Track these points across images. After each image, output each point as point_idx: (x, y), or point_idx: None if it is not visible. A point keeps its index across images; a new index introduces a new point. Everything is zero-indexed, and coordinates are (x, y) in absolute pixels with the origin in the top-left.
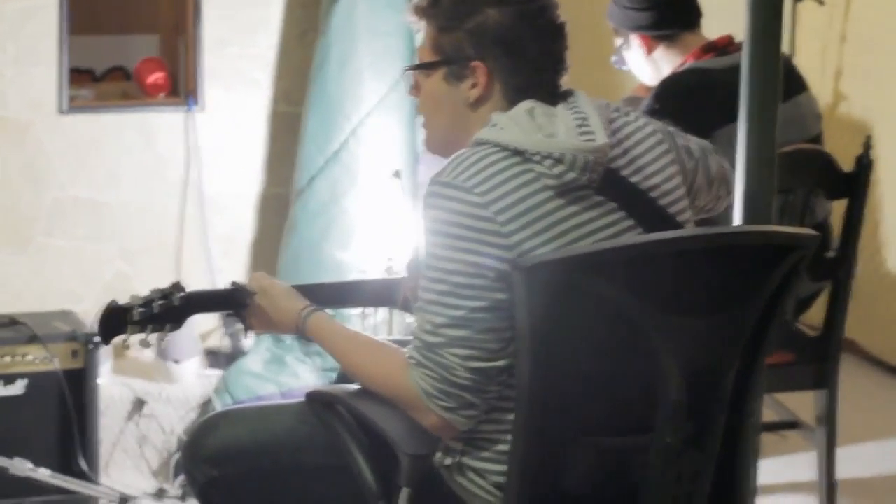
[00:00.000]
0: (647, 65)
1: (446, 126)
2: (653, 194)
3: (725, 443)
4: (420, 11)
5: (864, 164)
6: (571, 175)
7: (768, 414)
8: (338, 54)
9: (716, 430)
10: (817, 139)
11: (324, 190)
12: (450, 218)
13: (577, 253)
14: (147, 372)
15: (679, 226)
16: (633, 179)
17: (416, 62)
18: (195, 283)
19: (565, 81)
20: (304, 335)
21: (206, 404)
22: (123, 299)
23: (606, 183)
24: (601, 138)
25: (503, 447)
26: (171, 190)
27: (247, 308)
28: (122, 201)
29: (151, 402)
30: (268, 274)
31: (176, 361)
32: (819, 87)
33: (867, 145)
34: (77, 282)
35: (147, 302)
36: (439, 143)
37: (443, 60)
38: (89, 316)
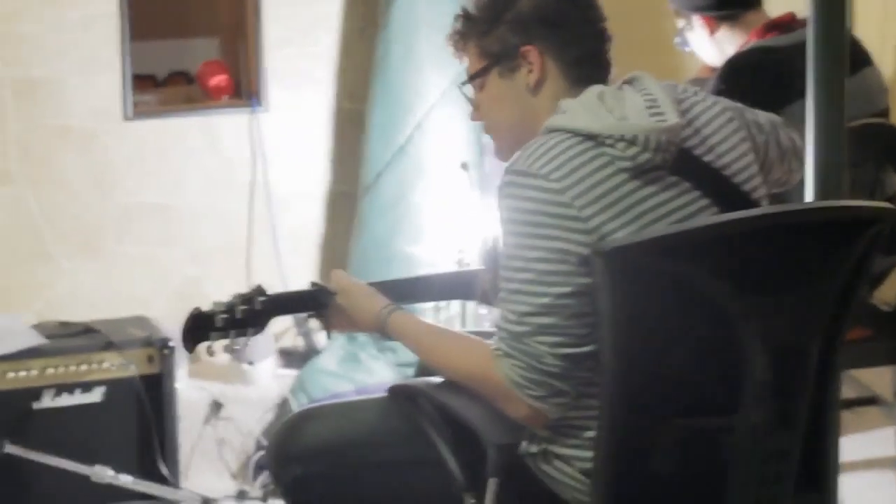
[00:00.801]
0: (711, 45)
1: (514, 120)
2: (726, 172)
3: (810, 420)
4: (457, 35)
5: None
6: (645, 156)
7: (845, 390)
8: (399, 49)
9: (801, 409)
10: (884, 113)
11: (391, 185)
12: (528, 206)
13: (657, 235)
14: (223, 374)
15: (754, 203)
16: (706, 158)
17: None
18: (265, 283)
19: (625, 62)
20: (385, 333)
21: (283, 404)
22: (196, 303)
23: (680, 163)
24: (672, 118)
25: (590, 433)
26: (239, 191)
27: (328, 309)
28: (190, 205)
29: (228, 405)
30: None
31: (251, 363)
32: (880, 60)
33: None
34: (148, 287)
35: (229, 307)
36: (511, 143)
37: (493, 62)
38: (163, 321)
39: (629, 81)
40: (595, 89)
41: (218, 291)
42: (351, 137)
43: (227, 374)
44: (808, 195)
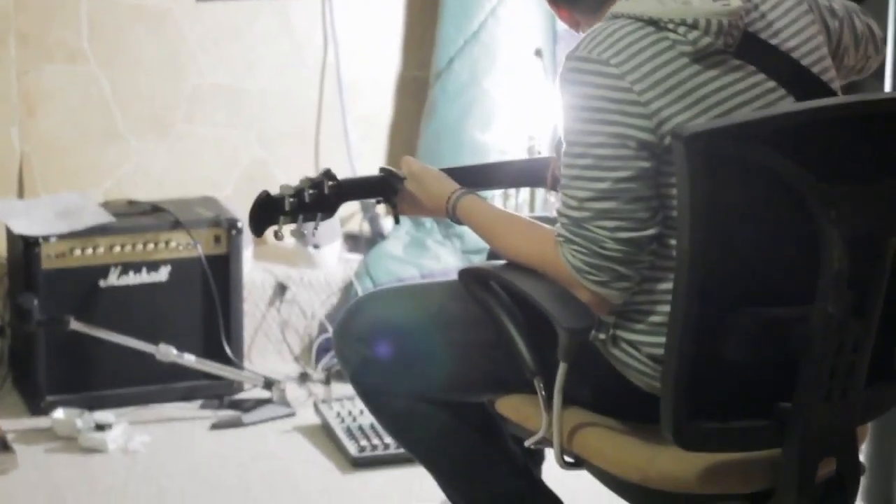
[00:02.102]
0: None
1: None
2: (794, 55)
3: (885, 313)
4: None
5: None
6: (707, 40)
7: None
8: None
9: (878, 300)
10: None
11: (463, 71)
12: (588, 92)
13: (737, 122)
14: (288, 257)
15: (825, 86)
16: (773, 42)
17: None
18: (334, 168)
19: None
20: (454, 218)
21: (348, 288)
22: (264, 186)
23: (744, 46)
24: (735, 1)
25: (656, 318)
26: (309, 75)
27: (398, 194)
28: (261, 87)
29: (293, 287)
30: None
31: (316, 246)
32: None
33: None
34: (216, 168)
35: (298, 192)
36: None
37: None
38: (230, 202)
39: None
40: None
41: (286, 175)
42: (424, 22)
43: (292, 257)
44: (888, 86)
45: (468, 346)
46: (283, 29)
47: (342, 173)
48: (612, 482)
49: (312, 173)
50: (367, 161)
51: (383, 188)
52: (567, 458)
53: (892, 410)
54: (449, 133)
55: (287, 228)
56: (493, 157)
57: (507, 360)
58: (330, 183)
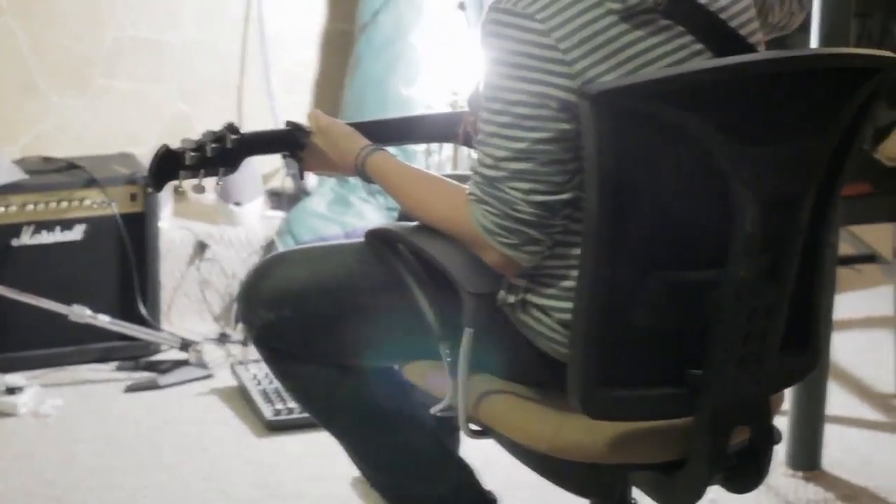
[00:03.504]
0: None
1: None
2: (722, 16)
3: (801, 276)
4: None
5: None
6: None
7: (844, 247)
8: None
9: (791, 264)
10: None
11: (388, 24)
12: (510, 46)
13: (647, 79)
14: (209, 214)
15: (750, 47)
16: (702, 1)
17: None
18: (257, 122)
19: None
20: (364, 175)
21: (269, 246)
22: (180, 142)
23: (674, 6)
24: None
25: (568, 283)
26: (232, 28)
27: (304, 149)
28: (183, 40)
29: (213, 246)
30: (331, 112)
31: (238, 203)
32: None
33: None
34: (137, 124)
35: (199, 146)
36: None
37: None
38: (149, 158)
39: None
40: None
41: (209, 128)
42: None
43: (212, 215)
44: (813, 42)
45: (375, 311)
46: None
47: (266, 127)
48: (520, 452)
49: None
50: (292, 115)
51: (288, 142)
52: (473, 427)
53: (815, 375)
54: (373, 88)
55: (188, 183)
56: (418, 112)
57: (415, 325)
58: (233, 137)
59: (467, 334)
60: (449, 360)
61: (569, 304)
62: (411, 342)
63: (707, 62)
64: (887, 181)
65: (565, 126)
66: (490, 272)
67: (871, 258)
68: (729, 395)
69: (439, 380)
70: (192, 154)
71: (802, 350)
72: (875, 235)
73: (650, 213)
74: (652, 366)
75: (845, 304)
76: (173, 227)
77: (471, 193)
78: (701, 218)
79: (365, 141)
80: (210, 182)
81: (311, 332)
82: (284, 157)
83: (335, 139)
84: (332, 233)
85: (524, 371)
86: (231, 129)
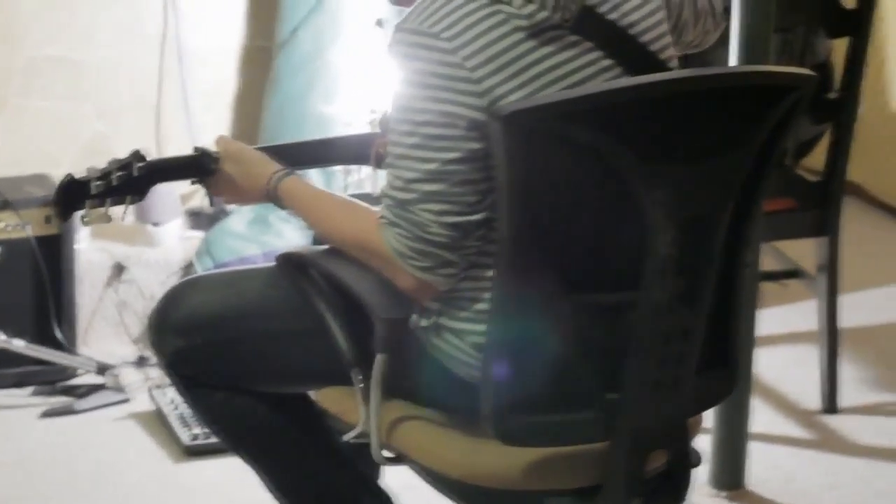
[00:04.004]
0: None
1: None
2: (632, 31)
3: (720, 296)
4: None
5: (867, 0)
6: (543, 14)
7: (769, 263)
8: None
9: (707, 285)
10: None
11: (307, 41)
12: (417, 67)
13: (558, 99)
14: (126, 236)
15: (661, 64)
16: (611, 17)
17: None
18: (175, 141)
19: None
20: (276, 200)
21: (188, 267)
22: (105, 161)
23: (582, 22)
24: None
25: (482, 306)
26: (149, 45)
27: (212, 175)
28: (99, 59)
29: (131, 267)
30: (251, 130)
31: (156, 224)
32: None
33: None
34: (53, 144)
35: (105, 174)
36: None
37: None
38: (79, 174)
39: None
40: None
41: (127, 148)
42: None
43: (130, 236)
44: (733, 60)
45: (286, 336)
46: None
47: (183, 146)
48: (434, 478)
49: (153, 146)
50: (211, 134)
51: (197, 169)
52: (387, 454)
53: (738, 394)
54: (293, 106)
55: (95, 213)
56: (338, 130)
57: (327, 351)
58: (139, 164)
59: (379, 360)
60: (361, 386)
61: (483, 328)
62: (324, 368)
63: (619, 82)
64: (810, 196)
65: (475, 145)
66: (402, 296)
67: (795, 273)
68: (645, 418)
69: (353, 406)
70: (98, 183)
71: (721, 371)
72: (800, 250)
73: (564, 235)
74: (567, 390)
75: (771, 319)
76: (90, 248)
77: (382, 217)
78: (616, 239)
79: (276, 165)
80: (117, 211)
81: (222, 359)
82: (193, 183)
83: (244, 164)
84: (252, 253)
85: (439, 396)
86: (137, 156)
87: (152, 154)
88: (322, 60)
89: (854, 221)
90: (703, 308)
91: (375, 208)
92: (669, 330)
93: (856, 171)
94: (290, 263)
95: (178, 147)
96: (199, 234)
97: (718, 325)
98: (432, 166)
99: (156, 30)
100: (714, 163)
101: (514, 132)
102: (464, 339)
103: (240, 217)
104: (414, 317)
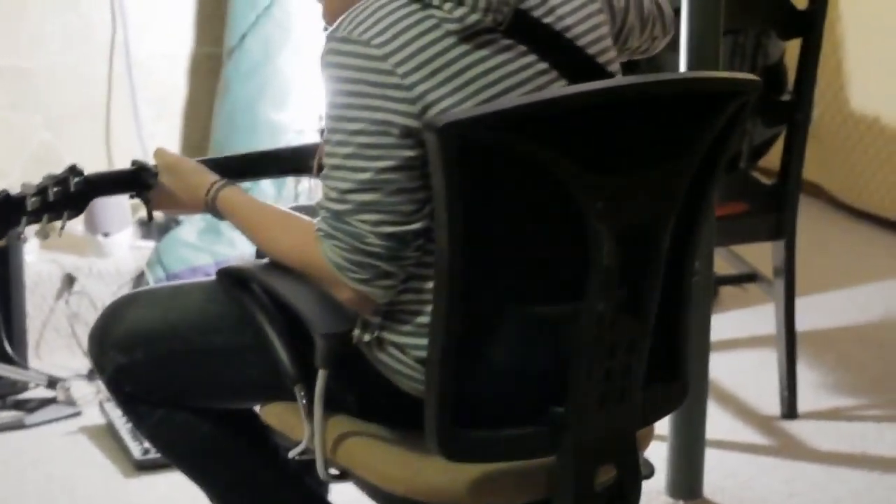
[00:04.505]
0: None
1: None
2: (569, 35)
3: (666, 305)
4: None
5: (819, 1)
6: (474, 17)
7: (727, 266)
8: None
9: (652, 296)
10: None
11: (256, 48)
12: (349, 75)
13: (494, 109)
14: (76, 246)
15: (600, 68)
16: (547, 20)
17: None
18: (125, 150)
19: None
20: (214, 212)
21: (140, 278)
22: (54, 170)
23: (516, 25)
24: None
25: (423, 319)
26: (98, 53)
27: (150, 189)
28: (46, 67)
29: (82, 278)
30: (201, 138)
31: (106, 234)
32: None
33: None
34: (1, 154)
35: (41, 190)
36: (338, 11)
37: None
38: (14, 190)
39: None
40: None
41: (76, 157)
42: None
43: (80, 246)
44: (682, 61)
45: (227, 352)
46: (69, 4)
47: (134, 155)
48: (380, 495)
49: (103, 156)
50: (160, 143)
51: (135, 183)
52: (332, 471)
53: (694, 401)
54: (243, 113)
55: (31, 229)
56: (290, 137)
57: (269, 366)
58: (76, 179)
59: (322, 375)
60: (304, 402)
61: (425, 341)
62: (266, 383)
63: (557, 90)
64: (765, 200)
65: (409, 153)
66: (343, 310)
67: (752, 277)
68: (593, 431)
69: (297, 422)
70: (34, 199)
71: (670, 382)
72: (759, 253)
73: (504, 246)
74: (512, 404)
75: (730, 323)
76: (40, 260)
77: (319, 229)
78: (557, 250)
79: (214, 176)
80: (56, 226)
81: (164, 375)
82: (132, 197)
83: (183, 176)
84: (204, 262)
85: (383, 411)
86: (74, 171)
87: (102, 163)
88: (272, 67)
89: (814, 222)
90: (649, 318)
91: (314, 220)
92: (614, 341)
93: (815, 172)
94: (231, 278)
95: (129, 156)
96: (150, 244)
97: (666, 335)
98: (366, 175)
99: (104, 37)
100: (656, 171)
101: (449, 143)
102: (407, 354)
103: (191, 226)
104: (356, 331)
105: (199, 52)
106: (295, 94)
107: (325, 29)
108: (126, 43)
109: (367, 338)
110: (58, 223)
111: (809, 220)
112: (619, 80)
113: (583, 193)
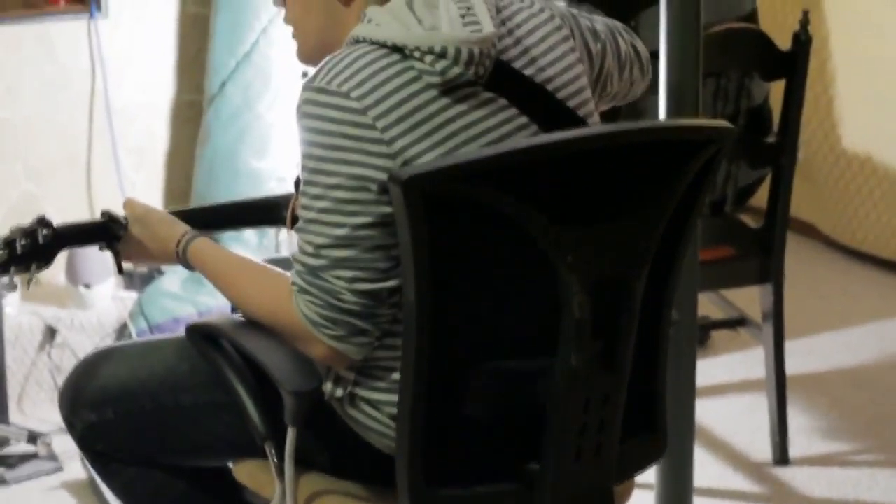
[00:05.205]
0: None
1: (319, 29)
2: (549, 87)
3: (642, 357)
4: None
5: (802, 42)
6: (456, 70)
7: (713, 311)
8: None
9: (627, 349)
10: (752, 16)
11: (236, 95)
12: (326, 127)
13: (459, 161)
14: (58, 297)
15: (579, 120)
16: (528, 72)
17: None
18: (106, 199)
19: None
20: (185, 263)
21: (122, 329)
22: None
23: (497, 78)
24: (487, 28)
25: (397, 375)
26: (77, 103)
27: (120, 240)
28: (26, 117)
29: (63, 330)
30: (183, 186)
31: (87, 286)
32: None
33: (804, 21)
34: None
35: (8, 242)
36: (313, 51)
37: None
38: None
39: None
40: None
41: (57, 207)
42: (197, 43)
43: (62, 298)
44: (662, 108)
45: (197, 409)
46: (47, 54)
47: (115, 204)
48: None
49: (84, 206)
50: (142, 191)
51: (105, 234)
52: None
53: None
54: (224, 161)
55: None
56: (272, 185)
57: (240, 424)
58: (44, 231)
59: (291, 433)
60: (275, 460)
61: (397, 398)
62: (237, 441)
63: (520, 141)
64: (753, 244)
65: (387, 209)
66: (312, 367)
67: (740, 322)
68: (569, 488)
69: (269, 480)
70: (1, 252)
71: (648, 435)
72: (749, 297)
73: (473, 301)
74: (486, 460)
75: (720, 368)
76: (21, 312)
77: (293, 283)
78: (528, 304)
79: (184, 227)
80: (24, 278)
81: (134, 434)
82: (101, 248)
83: (153, 227)
84: (186, 313)
85: (356, 468)
86: (43, 223)
87: (84, 212)
88: (252, 114)
89: (807, 262)
90: (624, 371)
91: (289, 273)
92: (589, 395)
93: (808, 211)
94: (200, 334)
95: (111, 205)
96: (132, 295)
97: (642, 388)
98: (343, 231)
99: (84, 87)
100: (627, 222)
101: (414, 197)
102: (380, 410)
103: (174, 276)
104: (328, 386)
105: (179, 99)
106: (275, 141)
107: (304, 76)
108: (105, 91)
109: (339, 393)
110: (26, 275)
111: (802, 260)
112: (584, 130)
113: (551, 246)
